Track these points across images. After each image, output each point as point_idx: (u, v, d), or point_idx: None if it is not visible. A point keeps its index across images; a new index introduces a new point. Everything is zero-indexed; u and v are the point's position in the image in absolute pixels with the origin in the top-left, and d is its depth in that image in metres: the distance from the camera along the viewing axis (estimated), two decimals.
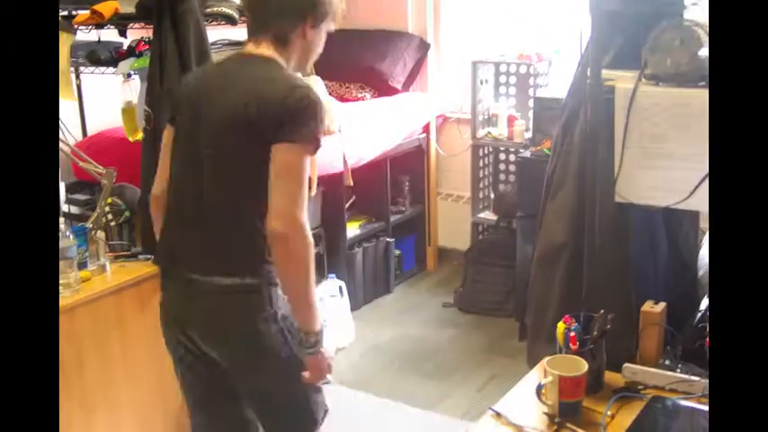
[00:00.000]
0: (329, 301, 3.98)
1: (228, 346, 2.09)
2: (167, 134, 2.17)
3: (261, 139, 1.92)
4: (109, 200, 2.88)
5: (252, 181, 1.95)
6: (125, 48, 3.23)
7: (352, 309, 4.25)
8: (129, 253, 2.87)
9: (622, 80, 2.06)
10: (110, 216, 2.88)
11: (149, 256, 2.84)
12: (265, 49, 2.03)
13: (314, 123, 1.93)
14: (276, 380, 2.11)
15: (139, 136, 2.89)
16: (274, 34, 2.03)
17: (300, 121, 1.91)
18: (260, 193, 1.92)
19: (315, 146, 1.95)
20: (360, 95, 4.76)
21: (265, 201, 1.91)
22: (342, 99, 4.63)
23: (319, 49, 2.14)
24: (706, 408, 1.84)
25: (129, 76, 3.09)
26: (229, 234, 2.02)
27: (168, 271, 2.15)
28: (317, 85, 3.20)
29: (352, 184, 3.49)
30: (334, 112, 3.30)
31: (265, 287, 2.03)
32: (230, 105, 1.95)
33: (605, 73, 2.10)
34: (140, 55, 3.04)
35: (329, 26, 2.11)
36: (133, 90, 3.02)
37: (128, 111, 3.05)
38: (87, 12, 3.08)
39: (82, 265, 2.65)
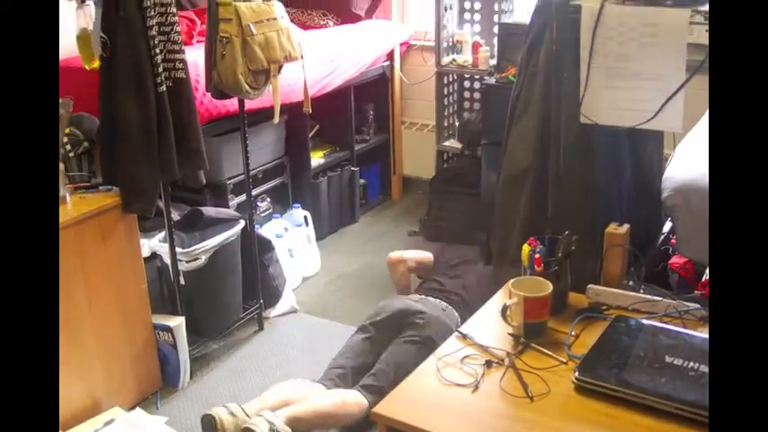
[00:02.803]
0: (294, 231, 3.97)
1: None
2: None
3: None
4: (67, 130, 2.82)
5: None
6: None
7: (318, 238, 4.24)
8: (89, 184, 2.83)
9: None
10: (68, 147, 2.82)
11: (110, 187, 2.80)
12: None
13: None
14: None
15: (96, 64, 2.81)
16: None
17: None
18: None
19: None
20: (322, 22, 4.68)
21: None
22: (304, 26, 4.54)
23: None
24: (667, 326, 1.88)
25: (83, 1, 2.98)
26: None
27: None
28: (277, 10, 3.11)
29: (310, 111, 3.42)
30: (296, 39, 3.23)
31: None
32: None
33: None
34: None
35: None
36: (88, 16, 2.91)
37: (83, 38, 2.95)
38: None
39: None
